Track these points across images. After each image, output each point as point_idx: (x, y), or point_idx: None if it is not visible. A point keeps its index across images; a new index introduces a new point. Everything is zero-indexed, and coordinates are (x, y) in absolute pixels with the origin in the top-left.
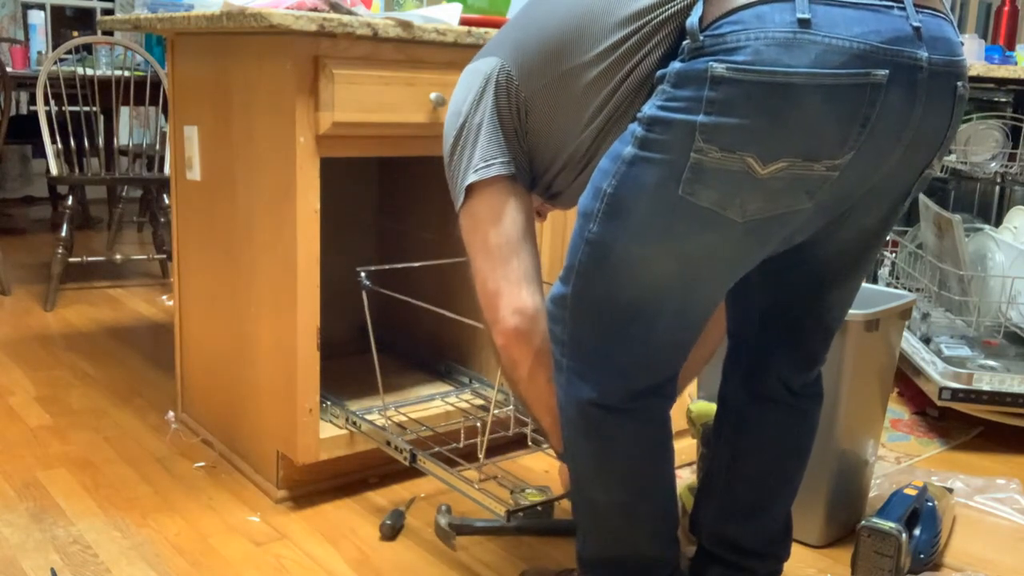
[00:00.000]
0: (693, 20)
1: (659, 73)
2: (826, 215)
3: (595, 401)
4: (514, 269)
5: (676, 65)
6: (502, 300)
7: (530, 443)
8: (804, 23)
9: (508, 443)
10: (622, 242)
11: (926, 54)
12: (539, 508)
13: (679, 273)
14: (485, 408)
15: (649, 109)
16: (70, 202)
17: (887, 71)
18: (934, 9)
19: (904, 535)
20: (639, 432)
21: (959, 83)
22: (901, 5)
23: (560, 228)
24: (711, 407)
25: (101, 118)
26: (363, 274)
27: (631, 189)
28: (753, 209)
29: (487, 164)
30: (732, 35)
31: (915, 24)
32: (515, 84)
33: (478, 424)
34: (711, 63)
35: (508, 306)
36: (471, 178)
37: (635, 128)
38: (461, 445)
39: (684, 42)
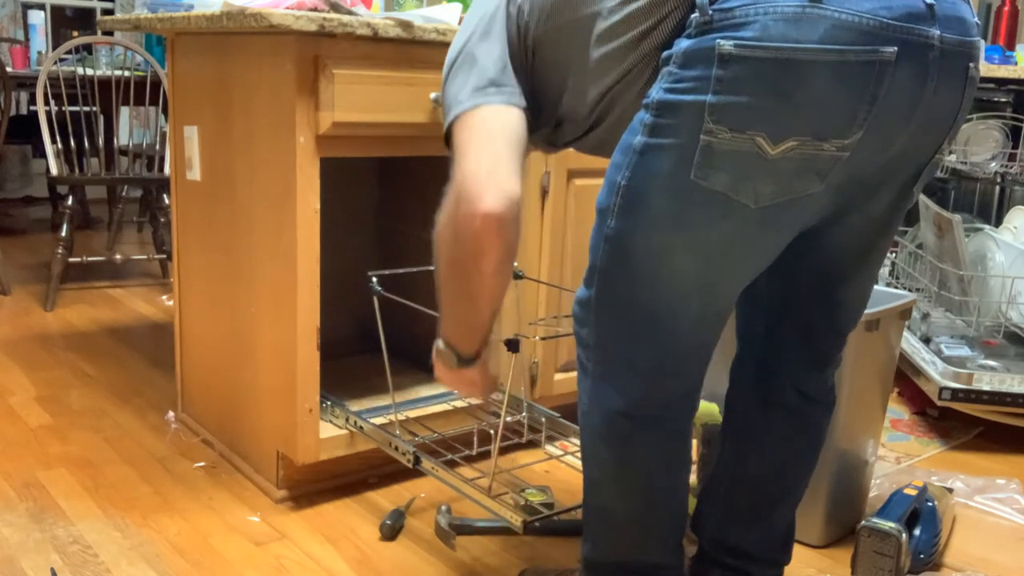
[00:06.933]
0: None
1: (665, 54)
2: (837, 200)
3: (623, 411)
4: (514, 158)
5: (683, 43)
6: (496, 179)
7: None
8: None
9: (506, 442)
10: (639, 235)
11: (938, 32)
12: (556, 519)
13: (697, 267)
14: (489, 411)
15: (656, 93)
16: (70, 202)
17: (895, 48)
18: None
19: (904, 535)
20: (662, 443)
21: (971, 64)
22: None
23: (560, 228)
24: (711, 407)
25: (101, 118)
26: (374, 279)
27: (645, 179)
28: (766, 193)
29: (499, 90)
30: (740, 9)
31: (929, 2)
32: (525, 20)
33: (491, 432)
34: (718, 40)
35: (499, 187)
36: (477, 100)
37: (643, 116)
38: (474, 453)
39: (692, 15)
